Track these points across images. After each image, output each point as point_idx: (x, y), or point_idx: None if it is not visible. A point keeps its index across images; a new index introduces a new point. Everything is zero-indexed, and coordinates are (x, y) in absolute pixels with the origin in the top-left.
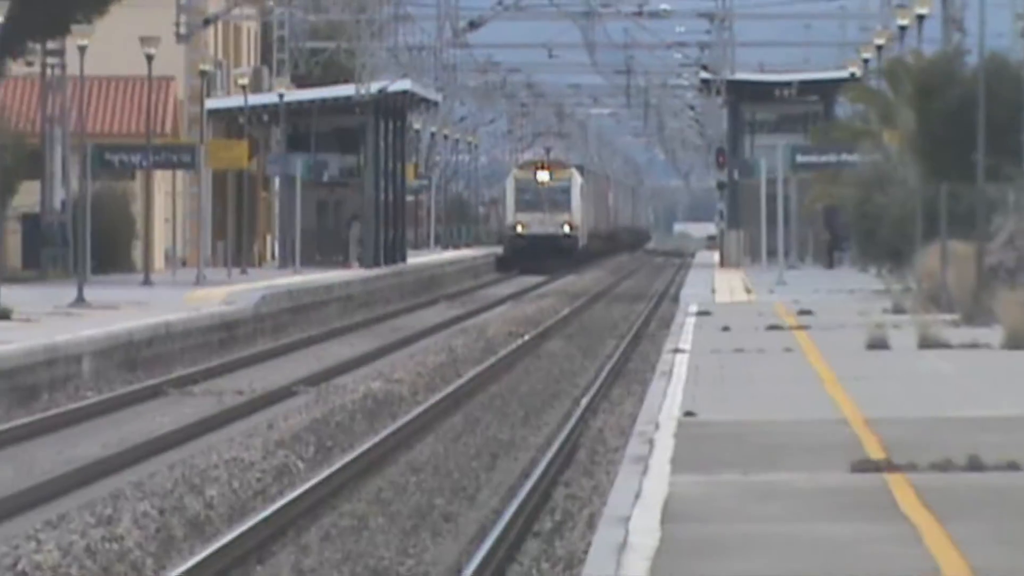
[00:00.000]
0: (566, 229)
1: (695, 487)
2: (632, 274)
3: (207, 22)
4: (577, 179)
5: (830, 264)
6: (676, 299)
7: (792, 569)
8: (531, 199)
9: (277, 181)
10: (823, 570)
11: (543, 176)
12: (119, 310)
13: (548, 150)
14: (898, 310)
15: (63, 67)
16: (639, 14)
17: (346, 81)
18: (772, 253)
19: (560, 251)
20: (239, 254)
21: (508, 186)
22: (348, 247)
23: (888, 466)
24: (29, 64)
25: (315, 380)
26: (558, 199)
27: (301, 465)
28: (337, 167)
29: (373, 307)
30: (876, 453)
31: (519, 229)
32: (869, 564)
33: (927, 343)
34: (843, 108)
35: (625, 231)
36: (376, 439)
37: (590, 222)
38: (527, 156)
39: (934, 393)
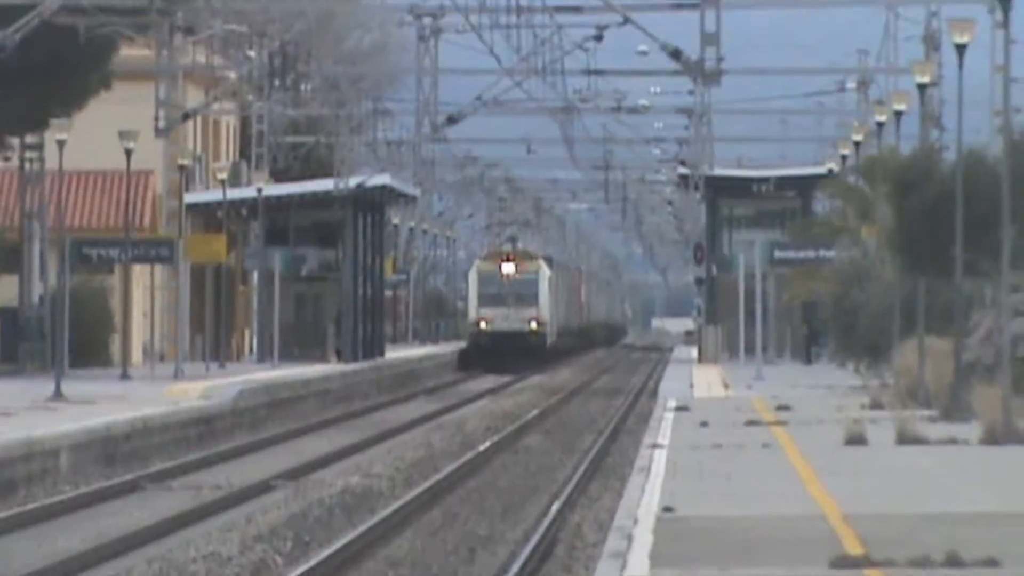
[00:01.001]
0: (533, 325)
1: None
2: (609, 370)
3: (186, 116)
4: (545, 271)
5: (808, 359)
6: (654, 394)
7: None
8: (495, 293)
9: (256, 275)
10: None
11: (508, 268)
12: (97, 404)
13: (514, 240)
14: (876, 406)
15: (42, 161)
16: (618, 109)
17: (325, 175)
18: (750, 348)
19: (527, 349)
20: (217, 348)
21: (471, 279)
22: (326, 341)
23: (867, 562)
24: (7, 159)
25: (293, 475)
26: (524, 293)
27: (279, 560)
28: (316, 261)
29: (351, 401)
30: (855, 549)
31: (482, 325)
32: None
33: (905, 439)
34: (821, 203)
35: (599, 326)
36: (354, 534)
37: (560, 317)
38: (491, 248)
39: (912, 489)
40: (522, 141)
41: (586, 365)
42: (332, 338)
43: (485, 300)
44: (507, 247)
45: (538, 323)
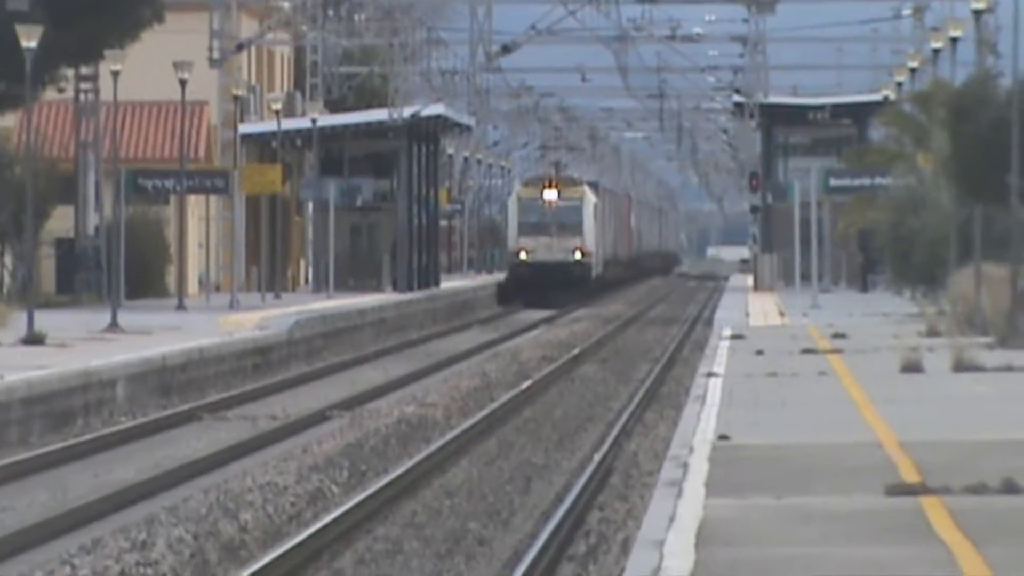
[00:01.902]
0: (577, 255)
1: (729, 510)
2: (664, 299)
3: (240, 47)
4: (590, 198)
5: (864, 287)
6: (710, 323)
7: None
8: (537, 221)
9: (310, 206)
10: None
11: (550, 195)
12: (153, 335)
13: (557, 165)
14: (932, 333)
15: (96, 92)
16: (672, 38)
17: (379, 106)
18: (806, 277)
19: (570, 280)
20: (273, 278)
21: (510, 206)
22: (382, 271)
23: (923, 489)
24: (61, 90)
25: (349, 404)
26: (568, 221)
27: (335, 489)
28: (370, 191)
29: (406, 331)
30: (911, 476)
31: (523, 256)
32: None
33: (961, 366)
34: (876, 131)
35: (651, 255)
36: (410, 463)
37: (607, 247)
38: (533, 173)
39: (968, 416)
40: (576, 70)
41: (637, 296)
42: (387, 268)
43: (526, 229)
44: (550, 172)
45: (582, 253)
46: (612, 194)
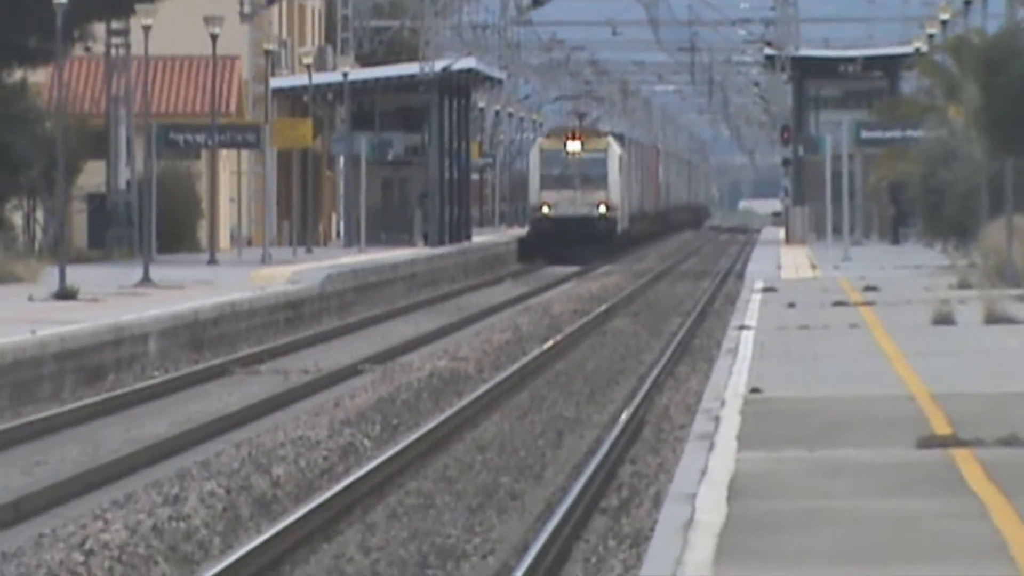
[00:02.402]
0: (602, 209)
1: (761, 464)
2: (696, 252)
3: (271, 1)
4: (615, 150)
5: (895, 240)
6: (741, 276)
7: (858, 544)
8: (560, 174)
9: (342, 160)
10: (890, 545)
11: (574, 147)
12: (184, 290)
13: (581, 115)
14: (964, 285)
15: (127, 47)
16: None
17: (410, 60)
18: (837, 229)
19: (594, 236)
20: (304, 233)
21: (532, 159)
22: (413, 225)
23: (954, 442)
24: (87, 49)
25: (381, 359)
26: (592, 174)
27: (367, 443)
28: (402, 146)
29: (438, 285)
30: (942, 429)
31: (545, 210)
32: (936, 539)
33: (993, 319)
34: (908, 83)
35: (681, 209)
36: (442, 417)
37: (633, 201)
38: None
39: (1000, 369)
40: (607, 23)
41: (667, 251)
42: (419, 222)
43: (548, 182)
44: (573, 123)
45: (608, 207)
46: (639, 146)
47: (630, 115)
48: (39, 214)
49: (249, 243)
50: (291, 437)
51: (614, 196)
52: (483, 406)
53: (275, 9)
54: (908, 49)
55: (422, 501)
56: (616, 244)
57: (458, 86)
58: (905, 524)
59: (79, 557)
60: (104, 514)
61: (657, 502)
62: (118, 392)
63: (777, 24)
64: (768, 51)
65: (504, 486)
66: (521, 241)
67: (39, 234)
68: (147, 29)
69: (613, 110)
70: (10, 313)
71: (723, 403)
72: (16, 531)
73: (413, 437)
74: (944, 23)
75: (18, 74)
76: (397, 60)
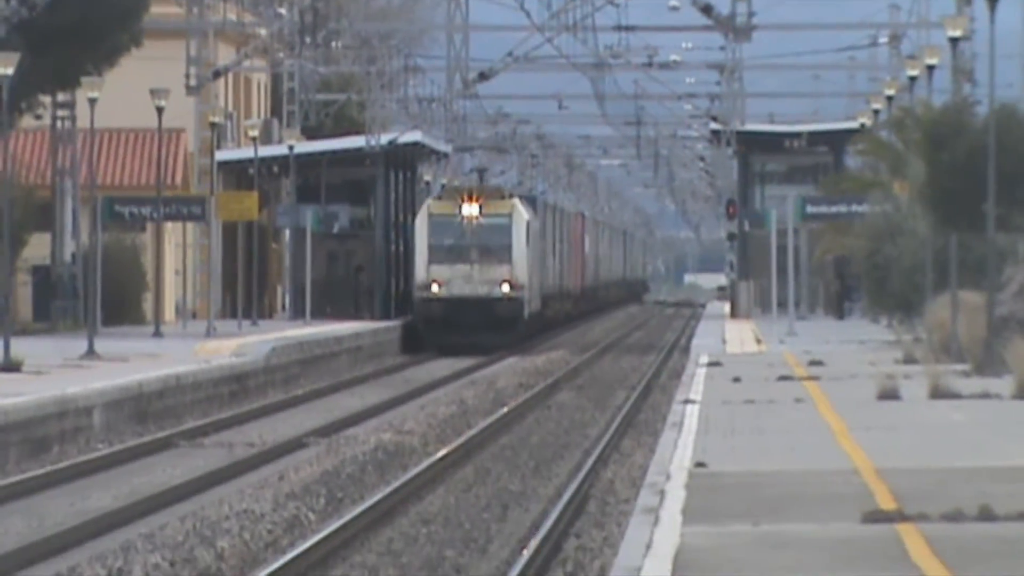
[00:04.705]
0: (504, 288)
1: (706, 538)
2: (642, 326)
3: (217, 74)
4: (522, 214)
5: (840, 315)
6: (687, 350)
7: None
8: (453, 245)
9: (287, 232)
10: None
11: (470, 210)
12: (129, 362)
13: (482, 171)
14: (909, 360)
15: (73, 119)
16: (649, 65)
17: (356, 133)
18: (783, 303)
19: (495, 321)
20: (249, 305)
21: (419, 225)
22: (357, 297)
23: (899, 516)
24: (38, 117)
25: (326, 432)
26: (493, 244)
27: (312, 516)
28: (347, 218)
29: (383, 359)
30: (887, 503)
31: (435, 289)
32: None
33: (938, 393)
34: (853, 158)
35: (613, 286)
36: (387, 490)
37: (549, 277)
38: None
39: (945, 443)
40: (554, 97)
41: (593, 336)
42: (364, 295)
43: (438, 255)
44: (468, 184)
45: (512, 285)
46: (558, 211)
47: (575, 189)
48: None
49: (194, 315)
50: (236, 510)
51: (520, 272)
52: (428, 479)
53: (221, 82)
54: (853, 124)
55: (366, 574)
56: (523, 329)
57: (404, 159)
58: None
59: None
60: None
61: None
62: (63, 464)
63: (723, 99)
64: (713, 126)
65: (449, 559)
66: (405, 327)
67: None
68: (93, 102)
69: (558, 184)
70: None
71: (668, 477)
72: None
73: (358, 510)
74: (889, 99)
75: None
76: (343, 133)
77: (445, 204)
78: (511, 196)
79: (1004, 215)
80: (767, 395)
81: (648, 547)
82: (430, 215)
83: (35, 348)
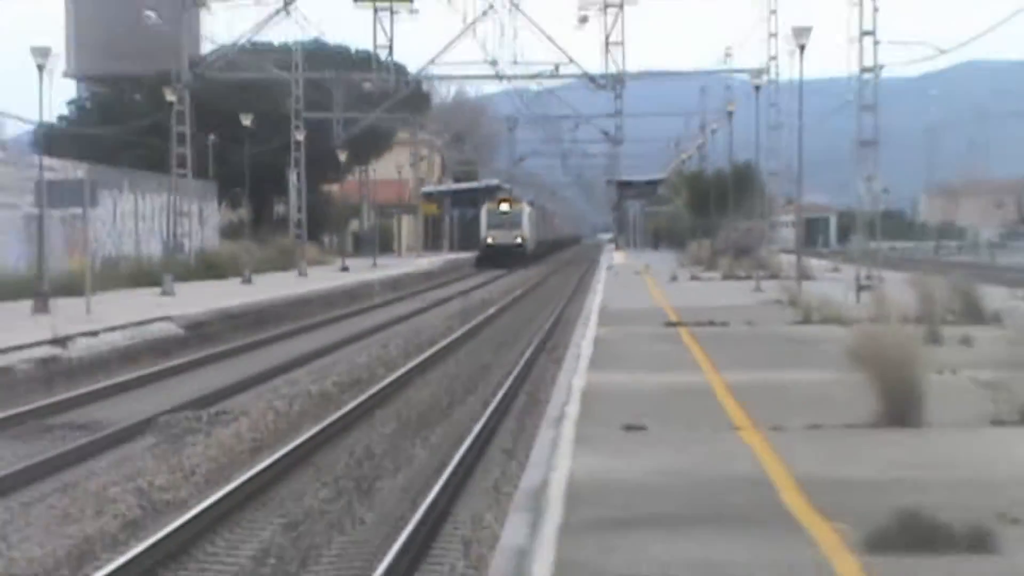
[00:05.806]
0: (519, 240)
1: (605, 331)
2: (574, 259)
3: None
4: (526, 208)
5: (656, 248)
6: (596, 261)
7: (644, 363)
8: (497, 221)
9: (448, 217)
10: (652, 361)
11: (504, 207)
12: (389, 268)
13: (510, 189)
14: (683, 265)
15: (366, 172)
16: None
17: (474, 179)
18: (634, 244)
19: (515, 254)
20: (432, 248)
21: (482, 214)
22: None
23: (679, 323)
24: (353, 174)
25: (467, 292)
26: (514, 221)
27: (457, 323)
28: (469, 213)
29: (467, 268)
30: (673, 318)
31: (489, 240)
32: (668, 358)
33: (692, 278)
34: (665, 188)
35: (565, 239)
36: (489, 311)
37: (537, 235)
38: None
39: (695, 296)
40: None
41: (557, 260)
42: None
43: (491, 226)
44: (504, 196)
45: (522, 239)
46: (540, 207)
47: (517, 183)
48: None
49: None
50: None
51: (526, 233)
52: (498, 311)
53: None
54: (664, 175)
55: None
56: (528, 258)
57: (488, 191)
58: (657, 355)
59: None
60: None
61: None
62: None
63: (611, 159)
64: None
65: (506, 342)
66: (477, 257)
67: None
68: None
69: (540, 194)
70: None
71: (592, 311)
72: None
73: (483, 316)
74: (684, 161)
75: None
76: (468, 178)
77: (493, 204)
78: (520, 200)
79: (712, 222)
80: (626, 279)
81: (583, 337)
82: (487, 210)
83: (354, 264)
